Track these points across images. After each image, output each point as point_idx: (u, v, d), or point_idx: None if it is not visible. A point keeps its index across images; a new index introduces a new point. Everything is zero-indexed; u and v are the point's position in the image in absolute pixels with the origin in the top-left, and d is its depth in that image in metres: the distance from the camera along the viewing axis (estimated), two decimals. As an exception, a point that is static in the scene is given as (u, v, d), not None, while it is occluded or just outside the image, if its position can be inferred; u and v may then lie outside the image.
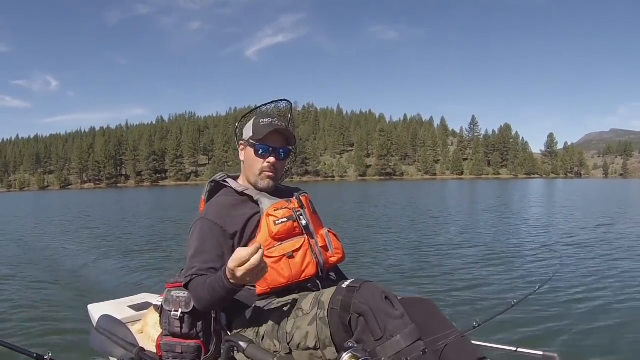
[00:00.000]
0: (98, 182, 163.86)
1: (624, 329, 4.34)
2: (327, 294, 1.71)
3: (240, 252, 1.59)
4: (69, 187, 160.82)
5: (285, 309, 1.83)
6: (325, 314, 1.65)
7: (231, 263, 1.61)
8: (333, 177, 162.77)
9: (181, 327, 1.97)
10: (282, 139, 2.11)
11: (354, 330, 1.59)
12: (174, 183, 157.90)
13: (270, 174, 2.10)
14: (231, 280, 1.67)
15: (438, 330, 1.77)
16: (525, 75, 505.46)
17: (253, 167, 2.11)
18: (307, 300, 1.78)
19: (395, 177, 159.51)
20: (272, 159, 2.08)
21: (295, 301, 1.83)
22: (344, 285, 1.67)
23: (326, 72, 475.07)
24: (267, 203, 2.03)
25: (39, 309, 5.35)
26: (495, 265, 7.52)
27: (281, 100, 2.32)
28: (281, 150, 2.11)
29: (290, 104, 2.36)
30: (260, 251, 1.58)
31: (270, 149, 2.08)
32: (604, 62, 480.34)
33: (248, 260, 1.57)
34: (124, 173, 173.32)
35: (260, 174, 2.10)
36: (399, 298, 1.88)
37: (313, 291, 1.97)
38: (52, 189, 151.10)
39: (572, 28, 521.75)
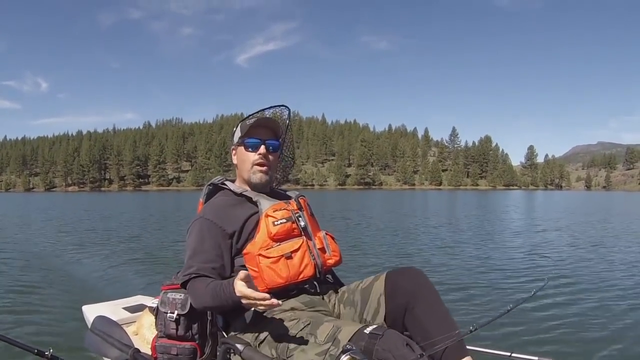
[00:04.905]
0: (82, 186, 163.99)
1: (618, 334, 4.34)
2: (345, 333, 1.64)
3: (253, 294, 1.64)
4: (54, 189, 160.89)
5: (294, 324, 1.79)
6: (339, 352, 1.58)
7: (240, 292, 1.66)
8: (313, 185, 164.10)
9: (177, 329, 1.97)
10: (269, 132, 2.13)
11: None
12: (156, 188, 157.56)
13: (263, 167, 2.11)
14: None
15: (427, 299, 1.83)
16: (514, 87, 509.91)
17: (245, 162, 2.12)
18: (323, 329, 1.70)
19: (374, 187, 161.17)
20: (262, 150, 2.09)
21: (309, 322, 1.77)
22: (366, 331, 1.62)
23: (315, 81, 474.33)
24: (265, 204, 2.03)
25: (37, 309, 5.28)
26: (491, 271, 7.52)
27: (279, 105, 2.31)
28: (269, 142, 2.12)
29: (289, 109, 2.35)
30: (269, 302, 1.63)
31: (259, 141, 2.09)
32: (593, 76, 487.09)
33: (255, 302, 1.65)
34: (108, 177, 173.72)
35: (252, 167, 2.10)
36: (387, 272, 1.97)
37: (311, 293, 2.02)
38: (37, 191, 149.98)
39: (563, 39, 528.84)
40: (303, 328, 1.76)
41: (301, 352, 1.69)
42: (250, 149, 2.12)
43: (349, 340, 1.61)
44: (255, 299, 1.64)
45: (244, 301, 1.68)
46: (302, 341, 1.72)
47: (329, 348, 1.63)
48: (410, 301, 1.83)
